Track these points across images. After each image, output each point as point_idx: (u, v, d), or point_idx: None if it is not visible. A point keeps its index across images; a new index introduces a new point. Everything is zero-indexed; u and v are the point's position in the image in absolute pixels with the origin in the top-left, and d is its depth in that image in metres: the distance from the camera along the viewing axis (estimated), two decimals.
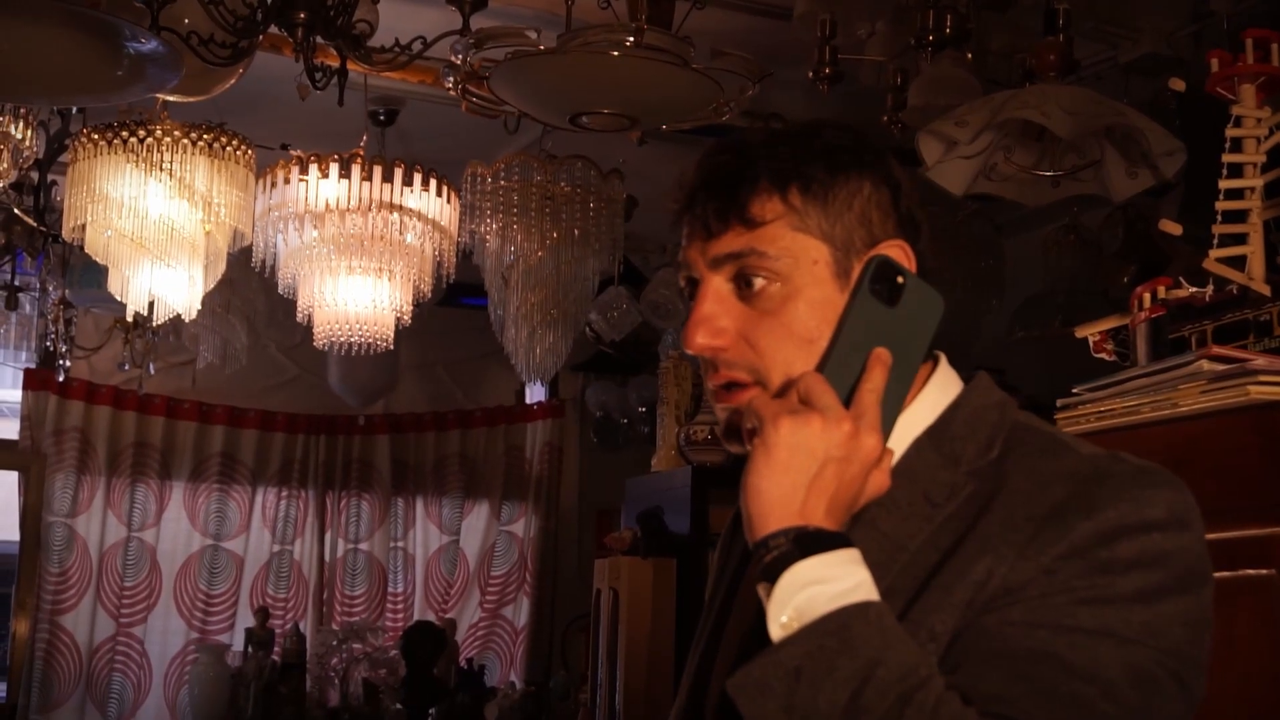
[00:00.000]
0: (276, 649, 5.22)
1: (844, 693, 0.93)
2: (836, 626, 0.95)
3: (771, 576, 0.97)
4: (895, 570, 1.04)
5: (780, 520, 0.99)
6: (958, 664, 0.98)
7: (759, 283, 1.09)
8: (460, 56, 2.67)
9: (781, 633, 0.96)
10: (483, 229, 3.66)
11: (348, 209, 3.36)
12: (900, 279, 1.08)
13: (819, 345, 1.08)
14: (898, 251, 1.11)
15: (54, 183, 3.71)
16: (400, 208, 3.40)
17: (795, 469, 1.00)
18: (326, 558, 5.81)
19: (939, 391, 1.13)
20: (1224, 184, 2.04)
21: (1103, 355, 2.26)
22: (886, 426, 1.05)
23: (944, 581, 1.02)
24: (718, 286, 1.11)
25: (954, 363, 1.17)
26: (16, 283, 4.39)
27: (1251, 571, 1.79)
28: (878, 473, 1.04)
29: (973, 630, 0.99)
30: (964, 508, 1.06)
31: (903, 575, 1.04)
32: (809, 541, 0.98)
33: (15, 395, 5.49)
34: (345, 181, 3.36)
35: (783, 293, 1.09)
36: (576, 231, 3.65)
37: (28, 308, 4.63)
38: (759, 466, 1.00)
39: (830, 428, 1.00)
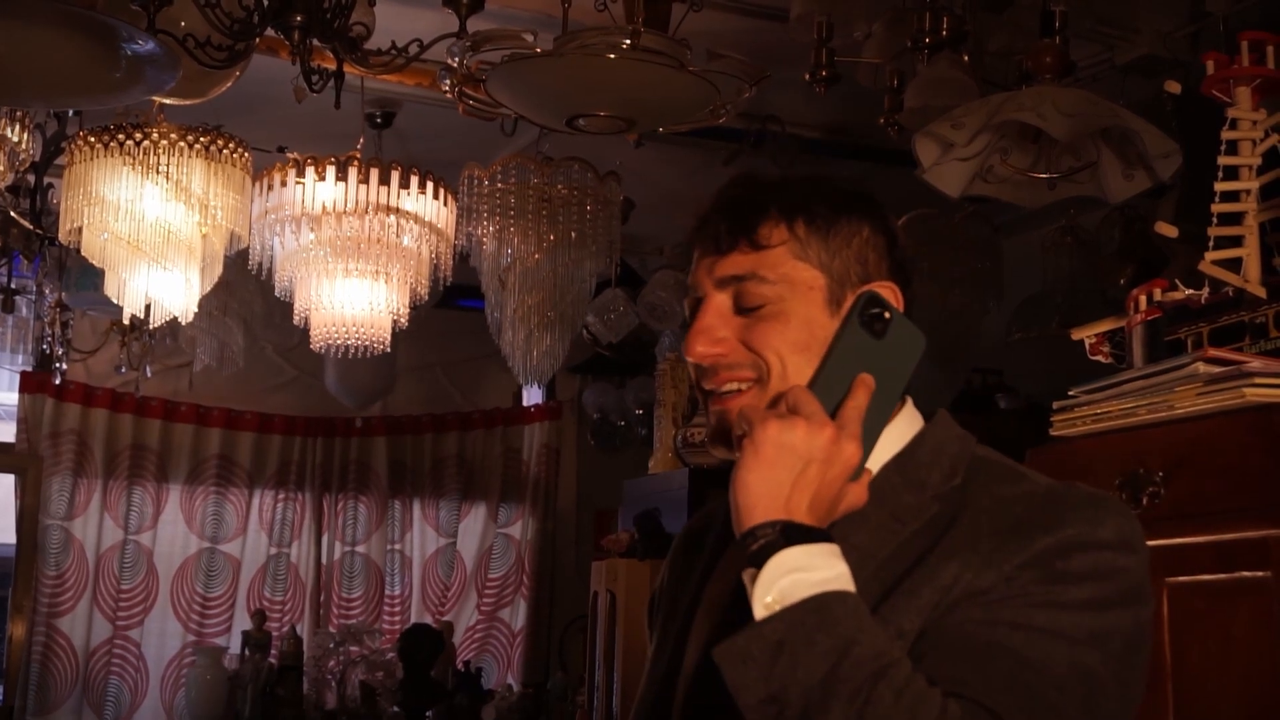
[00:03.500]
0: (274, 651, 5.21)
1: (822, 665, 1.00)
2: (817, 606, 1.03)
3: (758, 562, 1.05)
4: (864, 577, 1.11)
5: (766, 512, 1.07)
6: (921, 656, 1.06)
7: (756, 302, 1.20)
8: (457, 59, 2.67)
9: (765, 611, 1.04)
10: (480, 231, 3.66)
11: (344, 211, 3.36)
12: (887, 315, 1.16)
13: (809, 355, 1.18)
14: (888, 291, 1.21)
15: (50, 185, 3.70)
16: (397, 210, 3.40)
17: (781, 466, 1.08)
18: (323, 560, 5.81)
19: (905, 425, 1.23)
20: (1219, 186, 2.04)
21: (1099, 357, 2.26)
22: (866, 448, 1.13)
23: (911, 586, 1.11)
24: (719, 303, 1.21)
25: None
26: (13, 285, 4.38)
27: (1249, 573, 1.79)
28: (857, 487, 1.12)
29: (936, 627, 1.08)
30: (930, 525, 1.15)
31: (871, 582, 1.12)
32: (794, 533, 1.06)
33: (12, 398, 5.48)
34: (342, 184, 3.36)
35: (776, 310, 1.20)
36: (573, 234, 3.65)
37: (24, 310, 4.63)
38: (748, 462, 1.08)
39: (814, 431, 1.08)
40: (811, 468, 1.07)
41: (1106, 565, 1.09)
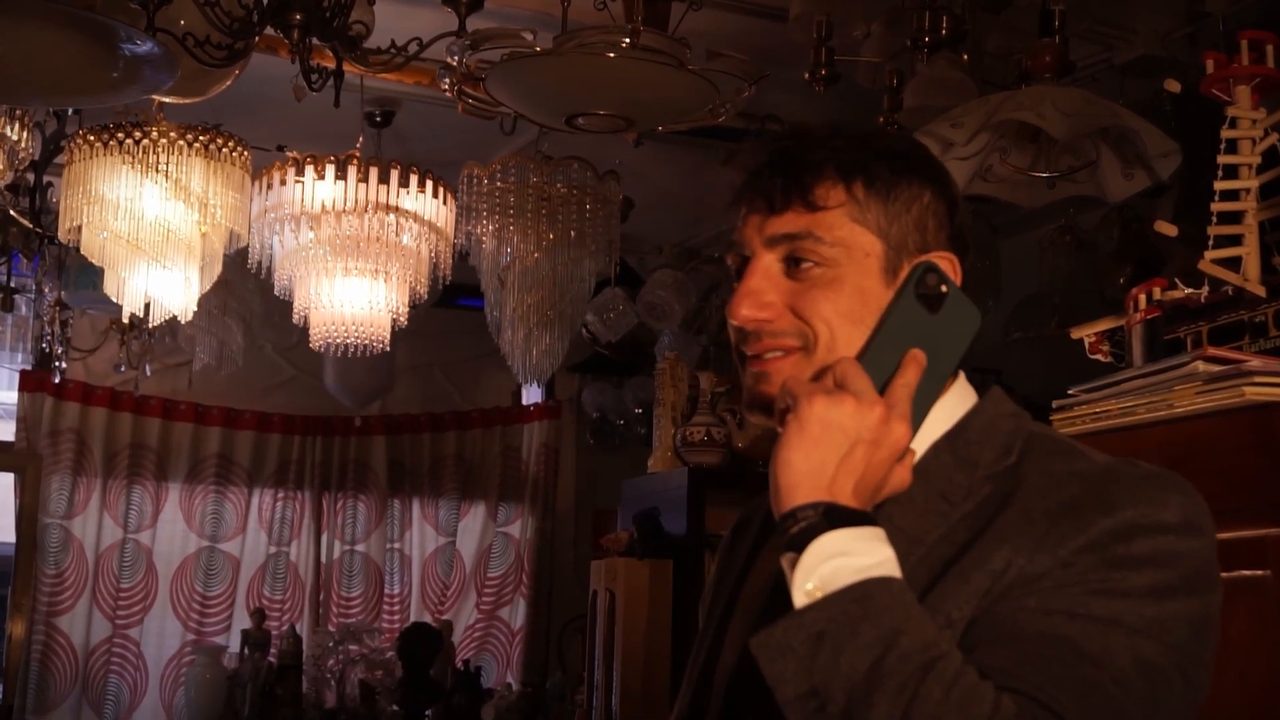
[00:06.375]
0: (273, 650, 5.21)
1: (866, 658, 0.94)
2: (861, 595, 0.97)
3: (798, 547, 0.99)
4: (912, 563, 1.05)
5: (809, 494, 1.01)
6: (973, 647, 1.00)
7: (808, 265, 1.13)
8: (456, 58, 2.67)
9: (805, 600, 0.98)
10: (479, 230, 3.66)
11: (344, 210, 3.37)
12: (944, 288, 1.11)
13: (861, 327, 1.11)
14: (946, 263, 1.14)
15: (50, 184, 3.70)
16: (396, 209, 3.40)
17: (827, 445, 1.02)
18: (323, 559, 5.81)
19: (957, 400, 1.16)
20: (1219, 185, 2.04)
21: (1098, 356, 2.26)
22: (913, 427, 1.08)
23: (961, 570, 1.05)
24: (768, 264, 1.15)
25: None
26: (12, 284, 4.38)
27: (1248, 572, 1.79)
28: (900, 468, 1.06)
29: (988, 616, 1.02)
30: (982, 507, 1.09)
31: (919, 567, 1.06)
32: (837, 515, 1.00)
33: (11, 397, 5.48)
34: (341, 183, 3.36)
35: (830, 275, 1.13)
36: (573, 233, 3.65)
37: (24, 309, 4.63)
38: (791, 439, 1.03)
39: (864, 410, 1.03)
40: (859, 449, 1.02)
41: (1168, 550, 1.02)
